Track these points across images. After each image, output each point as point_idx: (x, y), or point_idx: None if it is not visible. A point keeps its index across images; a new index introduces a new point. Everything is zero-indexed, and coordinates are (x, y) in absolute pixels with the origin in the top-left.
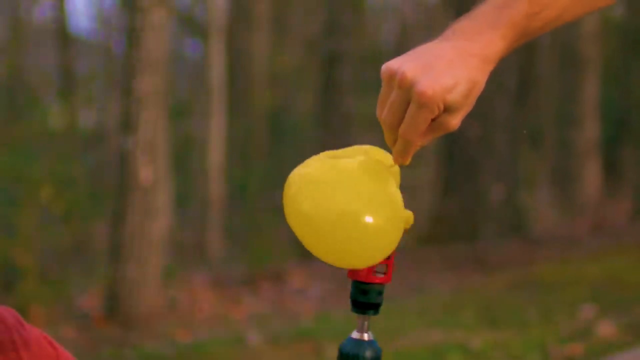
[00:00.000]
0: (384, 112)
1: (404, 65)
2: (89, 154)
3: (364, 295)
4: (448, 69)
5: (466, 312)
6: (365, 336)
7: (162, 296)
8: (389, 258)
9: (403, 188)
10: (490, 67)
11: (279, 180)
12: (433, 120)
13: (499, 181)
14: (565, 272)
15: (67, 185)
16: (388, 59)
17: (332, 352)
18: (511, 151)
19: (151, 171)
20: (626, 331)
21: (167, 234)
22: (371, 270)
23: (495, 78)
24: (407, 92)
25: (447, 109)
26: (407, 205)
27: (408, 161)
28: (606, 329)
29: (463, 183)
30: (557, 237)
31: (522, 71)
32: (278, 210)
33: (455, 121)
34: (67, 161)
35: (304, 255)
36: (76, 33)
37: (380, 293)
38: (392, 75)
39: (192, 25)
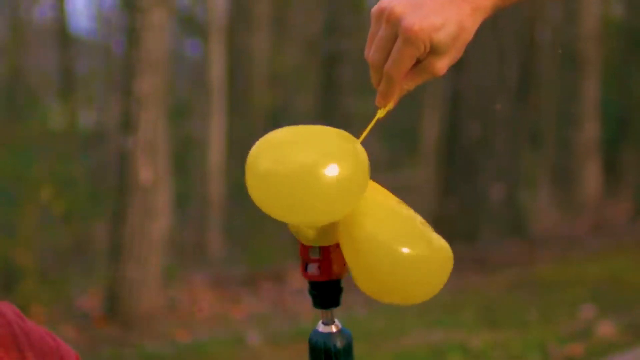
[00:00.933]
0: (371, 50)
1: (393, 2)
2: (89, 154)
3: (325, 291)
4: (438, 9)
5: (466, 312)
6: (333, 327)
7: (162, 296)
8: (317, 256)
9: (403, 188)
10: (481, 17)
11: None
12: (419, 63)
13: (499, 181)
14: (565, 272)
15: (67, 185)
16: None
17: None
18: (511, 151)
19: (151, 171)
20: (626, 331)
21: (167, 234)
22: (309, 268)
23: (496, 78)
24: (394, 27)
25: (434, 50)
26: (407, 205)
27: (391, 104)
28: (606, 329)
29: (463, 183)
30: (557, 237)
31: (522, 71)
32: None
33: (441, 65)
34: (67, 161)
35: None
36: (76, 33)
37: (333, 287)
38: (381, 12)
39: (192, 25)
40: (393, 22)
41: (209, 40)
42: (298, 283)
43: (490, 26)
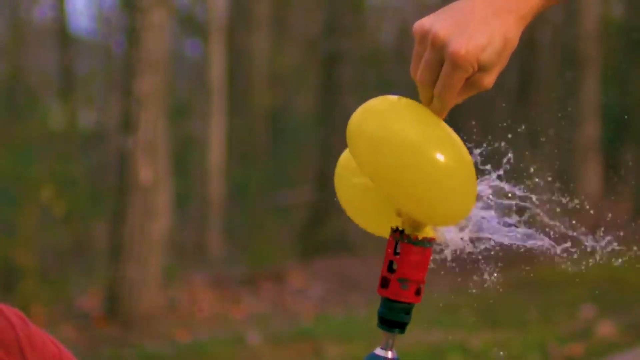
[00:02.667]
0: (418, 72)
1: (436, 24)
2: (89, 154)
3: (393, 312)
4: (482, 26)
5: (466, 312)
6: (390, 354)
7: (162, 296)
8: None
9: None
10: (524, 24)
11: (279, 180)
12: (467, 79)
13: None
14: (565, 272)
15: (67, 185)
16: (388, 59)
17: (332, 352)
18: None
19: (151, 171)
20: (626, 331)
21: (167, 234)
22: (402, 288)
23: (496, 78)
24: (440, 52)
25: (481, 68)
26: None
27: (443, 117)
28: (606, 329)
29: None
30: (557, 237)
31: (522, 71)
32: (278, 210)
33: (489, 79)
34: (67, 161)
35: (304, 255)
36: (76, 33)
37: (408, 312)
38: (424, 35)
39: (192, 25)
40: (438, 47)
41: (209, 40)
42: (298, 283)
43: None
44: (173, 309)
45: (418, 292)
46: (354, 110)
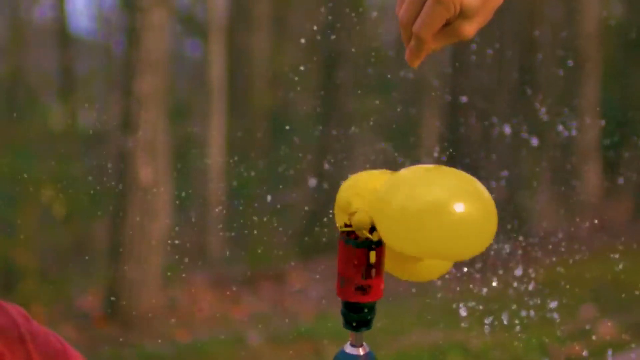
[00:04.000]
0: (401, 10)
1: None
2: (89, 154)
3: (355, 313)
4: None
5: (466, 312)
6: (361, 350)
7: (162, 296)
8: (371, 278)
9: None
10: None
11: (279, 180)
12: (447, 25)
13: (498, 181)
14: (565, 272)
15: (67, 185)
16: (388, 59)
17: (332, 352)
18: (511, 151)
19: (151, 171)
20: (626, 331)
21: (167, 234)
22: (357, 289)
23: (496, 78)
24: None
25: (463, 13)
26: None
27: (419, 62)
28: (606, 329)
29: None
30: (557, 237)
31: (522, 71)
32: (278, 210)
33: (469, 28)
34: (67, 161)
35: (304, 255)
36: (76, 33)
37: (371, 309)
38: None
39: (192, 25)
40: None
41: (209, 40)
42: (298, 283)
43: (489, 26)
44: (173, 309)
45: (374, 290)
46: (353, 110)
